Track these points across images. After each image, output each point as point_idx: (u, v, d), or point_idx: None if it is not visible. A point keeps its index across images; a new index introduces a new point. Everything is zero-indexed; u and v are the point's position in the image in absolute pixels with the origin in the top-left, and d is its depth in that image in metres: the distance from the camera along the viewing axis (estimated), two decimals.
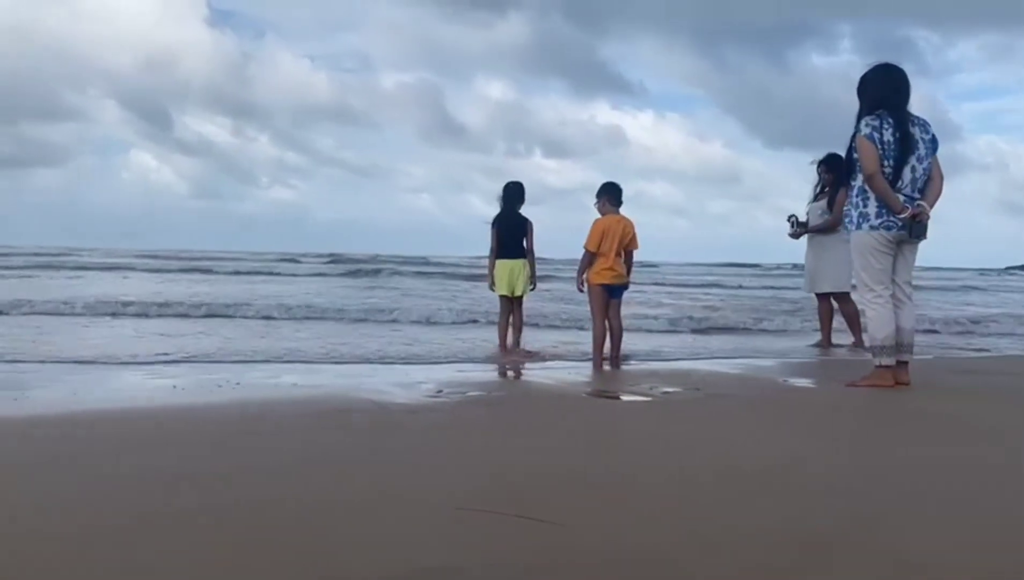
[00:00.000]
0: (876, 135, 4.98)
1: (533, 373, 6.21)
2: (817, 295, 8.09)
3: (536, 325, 8.40)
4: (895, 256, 5.12)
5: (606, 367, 6.49)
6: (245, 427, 3.83)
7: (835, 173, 7.53)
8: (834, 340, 8.05)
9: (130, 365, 6.01)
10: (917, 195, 5.05)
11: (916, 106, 5.15)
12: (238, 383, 5.20)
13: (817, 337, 8.31)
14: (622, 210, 7.07)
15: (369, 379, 5.50)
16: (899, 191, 5.01)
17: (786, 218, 8.09)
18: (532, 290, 7.57)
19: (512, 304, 7.45)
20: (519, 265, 7.39)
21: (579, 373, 6.16)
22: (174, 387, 5.01)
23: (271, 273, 23.39)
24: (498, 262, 7.43)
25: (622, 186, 7.06)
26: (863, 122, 5.04)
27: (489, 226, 7.47)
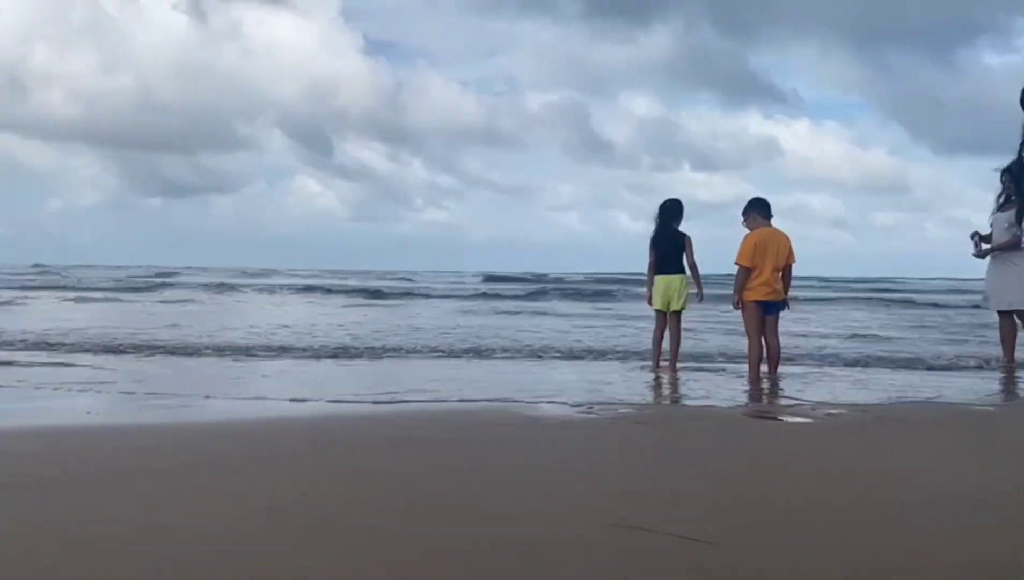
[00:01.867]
0: None
1: (687, 391, 6.09)
2: (999, 313, 7.45)
3: (690, 342, 8.22)
4: None
5: (764, 387, 6.27)
6: (406, 437, 3.97)
7: (1020, 181, 6.95)
8: (1018, 360, 7.38)
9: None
10: None
11: None
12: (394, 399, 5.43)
13: (998, 356, 7.64)
14: (773, 223, 6.84)
15: (522, 393, 5.57)
16: None
17: (969, 236, 7.49)
18: (700, 302, 7.48)
19: (668, 320, 7.35)
20: (676, 280, 7.30)
21: (735, 392, 5.99)
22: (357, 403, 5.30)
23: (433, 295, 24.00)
24: (656, 278, 7.38)
25: (769, 201, 6.86)
26: None
27: (649, 244, 7.44)
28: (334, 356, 8.01)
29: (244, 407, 5.11)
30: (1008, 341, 7.43)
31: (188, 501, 2.69)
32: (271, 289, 25.44)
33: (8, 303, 16.78)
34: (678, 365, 7.22)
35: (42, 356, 7.67)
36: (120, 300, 19.29)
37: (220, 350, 8.23)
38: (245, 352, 8.13)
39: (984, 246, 7.40)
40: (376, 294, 23.44)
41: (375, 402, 5.20)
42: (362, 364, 7.62)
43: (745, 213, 6.90)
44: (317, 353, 8.16)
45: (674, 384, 6.50)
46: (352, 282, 30.26)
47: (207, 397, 5.44)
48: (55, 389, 5.70)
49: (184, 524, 2.40)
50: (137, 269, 39.75)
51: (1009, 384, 6.75)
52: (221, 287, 25.78)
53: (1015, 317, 7.32)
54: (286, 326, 11.41)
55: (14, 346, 8.31)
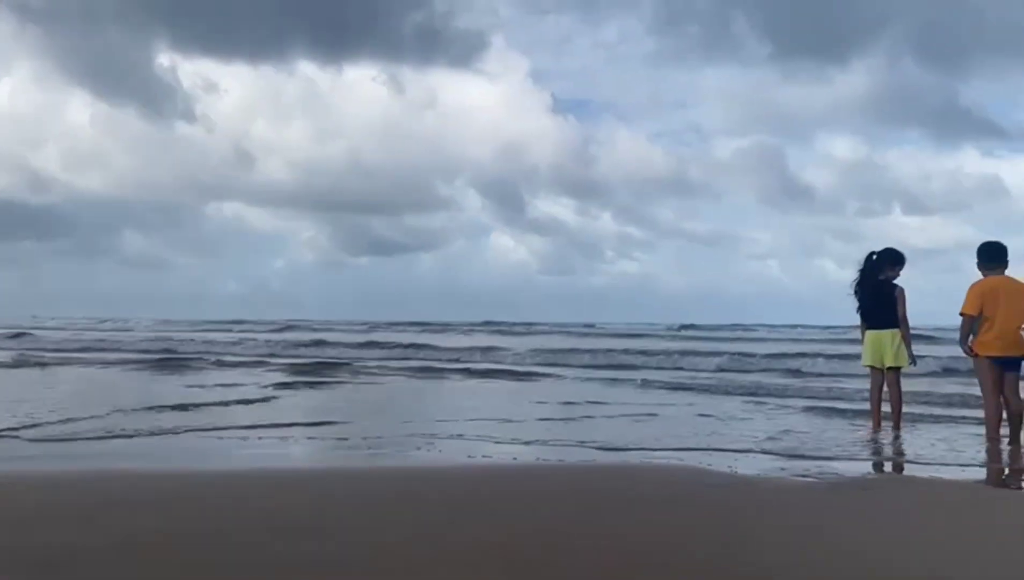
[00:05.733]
0: None
1: (914, 456, 5.61)
2: None
3: (915, 400, 7.59)
4: None
5: (1004, 451, 5.65)
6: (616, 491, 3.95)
7: None
8: None
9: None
10: None
11: None
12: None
13: None
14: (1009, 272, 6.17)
15: (723, 456, 5.39)
16: None
17: None
18: (912, 366, 6.85)
19: (884, 377, 6.83)
20: (887, 335, 6.78)
21: (970, 458, 5.45)
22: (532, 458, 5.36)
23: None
24: (867, 333, 6.91)
25: (1003, 244, 6.19)
26: None
27: (852, 295, 7.01)
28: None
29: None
30: None
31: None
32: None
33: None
34: (902, 427, 6.68)
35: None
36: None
37: None
38: None
39: None
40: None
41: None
42: None
43: (977, 259, 6.31)
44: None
45: (897, 447, 6.01)
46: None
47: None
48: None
49: None
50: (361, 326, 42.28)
51: None
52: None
53: None
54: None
55: None
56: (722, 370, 14.50)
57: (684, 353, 17.42)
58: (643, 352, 17.82)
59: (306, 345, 22.22)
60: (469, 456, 5.36)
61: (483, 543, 2.97)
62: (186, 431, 6.42)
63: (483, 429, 6.69)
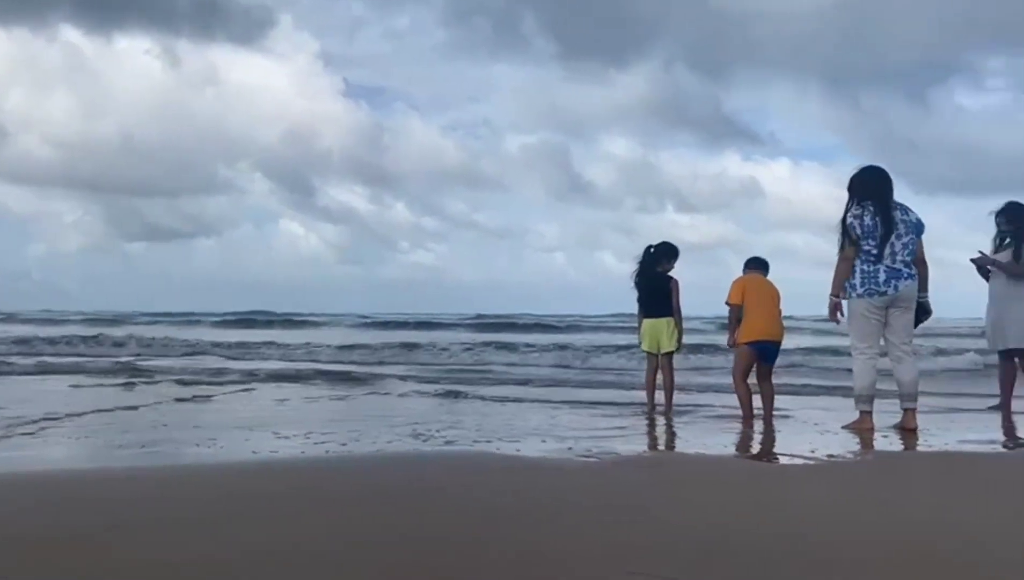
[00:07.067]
0: None
1: (684, 435, 6.05)
2: (1000, 353, 7.29)
3: (685, 385, 8.22)
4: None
5: (758, 430, 6.24)
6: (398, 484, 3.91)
7: (1017, 223, 7.01)
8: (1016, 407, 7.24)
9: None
10: None
11: None
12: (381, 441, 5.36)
13: (994, 400, 7.47)
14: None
15: (514, 440, 5.51)
16: None
17: (969, 260, 7.13)
18: (678, 351, 7.43)
19: (659, 362, 7.35)
20: (662, 323, 7.32)
21: (731, 435, 5.97)
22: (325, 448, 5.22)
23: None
24: (644, 321, 7.42)
25: (767, 262, 6.97)
26: None
27: (633, 286, 7.50)
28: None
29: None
30: (1006, 384, 7.15)
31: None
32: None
33: None
34: (673, 408, 7.19)
35: None
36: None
37: None
38: None
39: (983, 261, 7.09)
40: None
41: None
42: None
43: (744, 266, 7.05)
44: None
45: (670, 427, 6.46)
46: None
47: None
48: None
49: None
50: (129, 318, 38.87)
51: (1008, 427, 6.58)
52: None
53: (1015, 358, 7.16)
54: None
55: None
56: (495, 362, 14.84)
57: (460, 345, 17.73)
58: (431, 344, 17.89)
59: (70, 340, 20.04)
60: (254, 452, 5.09)
61: (278, 541, 2.82)
62: None
63: (261, 424, 6.40)
